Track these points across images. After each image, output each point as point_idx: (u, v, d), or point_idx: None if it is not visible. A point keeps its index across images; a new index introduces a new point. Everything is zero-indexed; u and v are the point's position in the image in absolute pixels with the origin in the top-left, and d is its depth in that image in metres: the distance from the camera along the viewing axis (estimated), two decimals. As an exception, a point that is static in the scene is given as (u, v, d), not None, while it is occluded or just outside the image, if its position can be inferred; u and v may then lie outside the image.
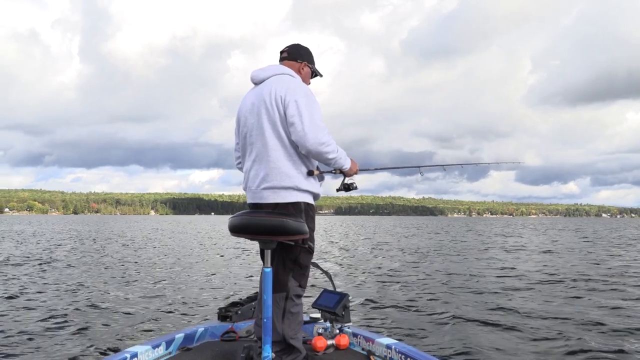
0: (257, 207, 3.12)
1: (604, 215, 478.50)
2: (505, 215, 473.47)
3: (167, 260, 15.26)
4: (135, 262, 14.60)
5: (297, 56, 3.35)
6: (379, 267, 13.81)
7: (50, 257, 15.90)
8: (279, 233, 2.80)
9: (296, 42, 3.42)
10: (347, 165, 3.21)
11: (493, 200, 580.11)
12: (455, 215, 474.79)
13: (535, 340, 5.95)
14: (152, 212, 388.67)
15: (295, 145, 3.04)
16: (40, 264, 13.68)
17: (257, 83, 3.26)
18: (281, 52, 3.38)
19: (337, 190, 3.42)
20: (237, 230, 2.88)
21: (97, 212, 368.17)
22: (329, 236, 33.43)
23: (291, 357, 3.08)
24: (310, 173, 3.10)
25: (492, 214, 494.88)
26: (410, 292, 9.39)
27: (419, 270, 13.02)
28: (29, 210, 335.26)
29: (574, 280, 11.07)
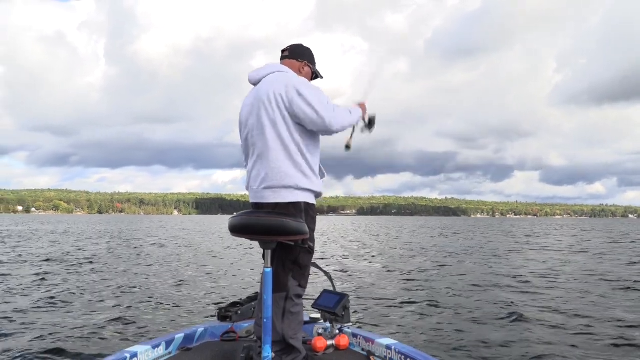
0: (258, 206, 3.10)
1: (630, 216, 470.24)
2: (529, 216, 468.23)
3: (169, 260, 15.27)
4: (139, 263, 14.57)
5: (298, 55, 3.32)
6: (380, 267, 13.81)
7: (59, 257, 16.11)
8: (278, 233, 2.77)
9: (298, 43, 3.38)
10: (360, 114, 3.31)
11: (517, 201, 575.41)
12: (479, 215, 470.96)
13: (534, 340, 5.94)
14: (175, 212, 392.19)
15: (295, 144, 3.02)
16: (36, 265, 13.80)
17: (254, 83, 3.24)
18: (283, 51, 3.35)
19: (365, 130, 3.45)
20: (237, 230, 2.86)
21: (121, 211, 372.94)
22: (339, 237, 33.30)
23: (291, 357, 3.06)
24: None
25: (515, 215, 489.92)
26: (410, 293, 9.38)
27: (420, 271, 12.99)
28: (55, 210, 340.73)
29: (600, 280, 10.93)
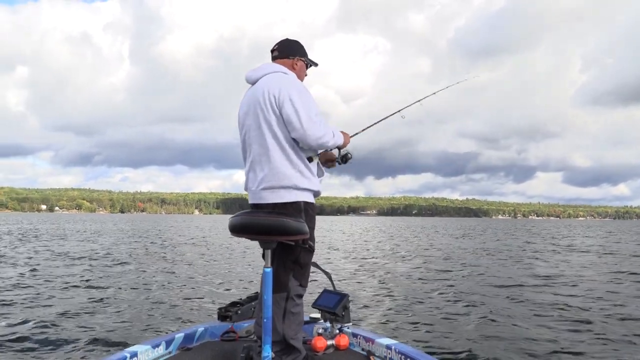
0: (257, 207, 3.11)
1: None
2: (551, 217, 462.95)
3: (171, 260, 15.31)
4: (142, 262, 14.60)
5: (288, 53, 3.32)
6: (380, 267, 13.82)
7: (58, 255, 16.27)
8: (278, 233, 2.78)
9: (285, 38, 3.37)
10: (341, 141, 3.26)
11: (539, 202, 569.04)
12: (500, 217, 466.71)
13: (534, 340, 5.97)
14: (196, 212, 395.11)
15: (292, 144, 3.03)
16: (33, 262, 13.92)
17: (251, 83, 3.25)
18: (272, 51, 3.35)
19: (336, 164, 3.46)
20: (237, 230, 2.88)
21: (142, 211, 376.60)
22: (341, 238, 33.23)
23: (291, 357, 3.07)
24: (310, 159, 3.12)
25: (537, 216, 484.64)
26: (410, 292, 9.39)
27: (420, 270, 12.98)
28: (78, 209, 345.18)
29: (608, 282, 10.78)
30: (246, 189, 3.23)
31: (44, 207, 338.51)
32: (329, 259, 16.39)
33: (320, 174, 3.24)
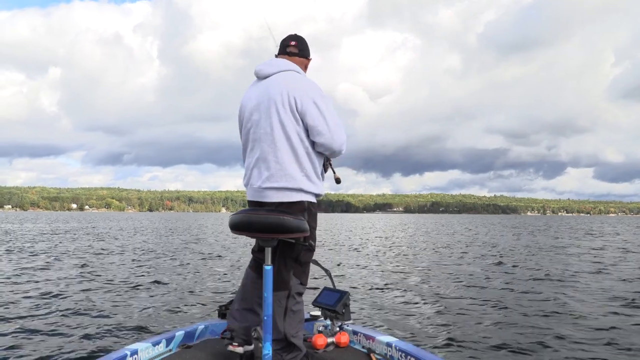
0: (258, 205, 3.10)
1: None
2: (581, 214, 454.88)
3: (174, 259, 15.24)
4: (146, 260, 14.59)
5: (306, 53, 3.30)
6: (382, 266, 13.74)
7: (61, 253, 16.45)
8: (279, 231, 2.77)
9: (297, 35, 3.33)
10: None
11: (569, 198, 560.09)
12: (529, 213, 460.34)
13: (535, 339, 5.93)
14: (223, 210, 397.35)
15: (303, 147, 3.01)
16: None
17: (261, 78, 3.18)
18: (288, 46, 3.27)
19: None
20: (237, 227, 2.87)
21: (170, 209, 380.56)
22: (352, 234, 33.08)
23: (292, 355, 3.07)
24: (325, 167, 3.17)
25: (567, 213, 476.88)
26: (410, 291, 9.35)
27: (421, 270, 12.90)
28: (107, 208, 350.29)
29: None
30: (246, 185, 3.20)
31: (74, 206, 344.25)
32: (330, 255, 16.41)
33: (324, 177, 3.23)
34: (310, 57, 3.35)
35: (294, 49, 3.26)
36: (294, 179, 2.99)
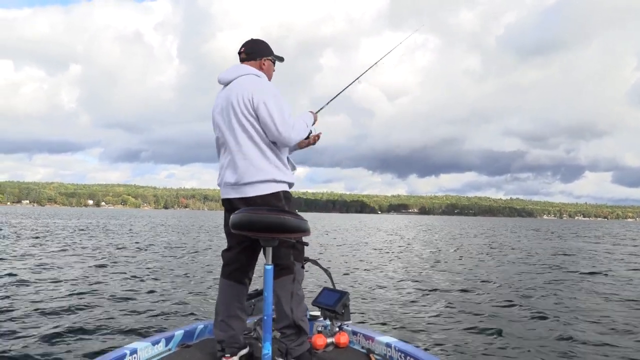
0: (231, 203, 3.23)
1: None
2: (599, 219, 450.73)
3: (174, 258, 15.19)
4: (146, 259, 14.54)
5: (255, 55, 3.41)
6: (381, 266, 13.75)
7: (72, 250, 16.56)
8: (279, 230, 2.77)
9: (250, 39, 3.46)
10: (312, 122, 3.52)
11: (586, 203, 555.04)
12: (545, 217, 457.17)
13: (535, 339, 5.95)
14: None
15: (267, 142, 3.16)
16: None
17: (224, 84, 3.36)
18: (239, 53, 3.44)
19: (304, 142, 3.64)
20: (238, 227, 2.86)
21: (185, 207, 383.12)
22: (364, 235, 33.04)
23: (301, 339, 3.10)
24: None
25: (584, 217, 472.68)
26: (410, 291, 9.37)
27: (420, 269, 12.93)
28: (123, 204, 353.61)
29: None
30: (220, 184, 3.35)
31: (90, 202, 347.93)
32: (330, 255, 16.40)
33: (292, 168, 3.37)
34: (267, 57, 3.44)
35: (243, 54, 3.43)
36: (264, 171, 3.14)
